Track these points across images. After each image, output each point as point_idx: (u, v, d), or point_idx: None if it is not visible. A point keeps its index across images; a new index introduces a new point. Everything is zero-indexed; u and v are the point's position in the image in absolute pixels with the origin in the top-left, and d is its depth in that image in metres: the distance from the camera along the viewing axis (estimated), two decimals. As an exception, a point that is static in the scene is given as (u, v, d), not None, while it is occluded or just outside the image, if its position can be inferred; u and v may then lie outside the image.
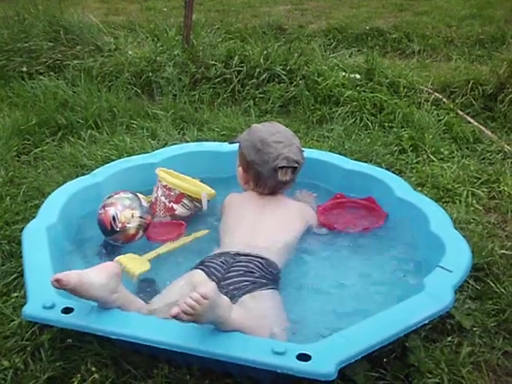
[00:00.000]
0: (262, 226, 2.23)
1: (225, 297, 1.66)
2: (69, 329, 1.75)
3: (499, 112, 3.79)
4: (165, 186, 2.42)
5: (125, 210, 2.22)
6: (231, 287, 1.91)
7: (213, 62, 4.17)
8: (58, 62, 4.38)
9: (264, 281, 1.96)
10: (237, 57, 4.18)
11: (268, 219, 2.27)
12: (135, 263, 2.06)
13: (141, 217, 2.24)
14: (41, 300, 1.70)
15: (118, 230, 2.21)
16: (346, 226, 2.41)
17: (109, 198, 2.26)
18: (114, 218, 2.20)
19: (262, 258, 2.04)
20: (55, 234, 2.14)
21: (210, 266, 2.00)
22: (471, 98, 3.93)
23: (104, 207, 2.22)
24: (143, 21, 5.86)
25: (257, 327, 1.72)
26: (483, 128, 3.62)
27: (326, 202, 2.55)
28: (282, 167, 2.28)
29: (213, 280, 1.91)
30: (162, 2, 7.52)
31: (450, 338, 1.90)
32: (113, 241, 2.25)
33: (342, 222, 2.44)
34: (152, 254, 2.16)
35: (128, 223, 2.21)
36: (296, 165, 2.31)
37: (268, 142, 2.31)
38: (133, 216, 2.22)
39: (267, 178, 2.31)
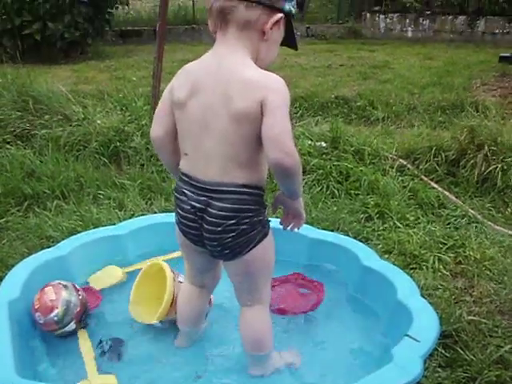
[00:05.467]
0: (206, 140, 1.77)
1: None
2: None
3: (462, 177, 3.87)
4: None
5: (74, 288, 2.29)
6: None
7: (180, 131, 4.20)
8: (25, 131, 4.40)
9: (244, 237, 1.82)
10: (203, 125, 4.22)
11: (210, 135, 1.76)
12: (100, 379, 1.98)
13: None
14: (-1, 381, 1.64)
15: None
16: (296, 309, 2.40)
17: (63, 300, 2.18)
18: (84, 298, 2.29)
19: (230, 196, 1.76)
20: (16, 309, 2.09)
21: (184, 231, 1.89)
22: (435, 163, 4.01)
23: (79, 302, 2.22)
24: (112, 90, 5.90)
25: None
26: (447, 193, 3.69)
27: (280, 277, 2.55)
28: None
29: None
30: (131, 72, 7.66)
31: (420, 410, 1.88)
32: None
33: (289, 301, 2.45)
34: (91, 368, 2.04)
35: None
36: None
37: None
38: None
39: None
